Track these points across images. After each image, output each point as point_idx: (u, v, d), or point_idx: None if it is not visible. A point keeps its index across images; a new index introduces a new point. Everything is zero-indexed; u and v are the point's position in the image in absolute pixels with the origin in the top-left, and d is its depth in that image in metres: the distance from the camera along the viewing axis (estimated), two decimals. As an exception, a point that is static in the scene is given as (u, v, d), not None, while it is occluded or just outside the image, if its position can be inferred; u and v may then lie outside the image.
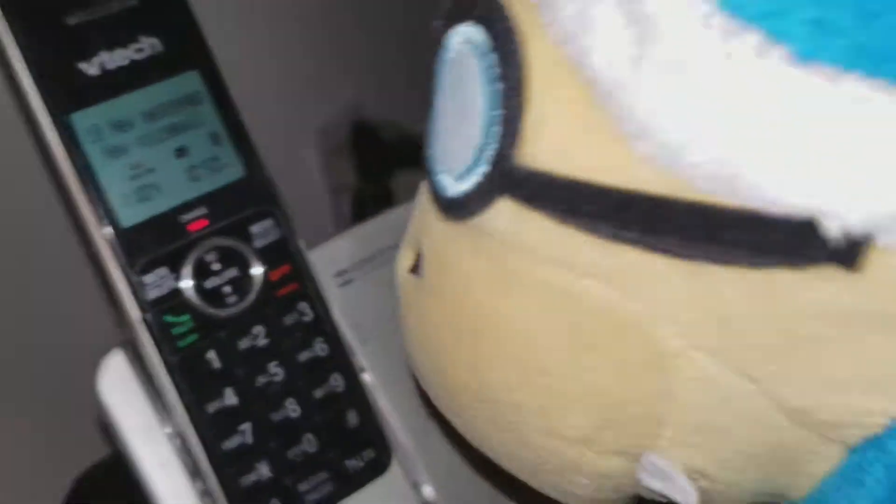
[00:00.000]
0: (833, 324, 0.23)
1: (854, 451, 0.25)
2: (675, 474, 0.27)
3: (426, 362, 0.32)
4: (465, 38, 0.27)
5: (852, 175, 0.21)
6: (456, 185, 0.27)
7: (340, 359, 0.39)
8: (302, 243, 0.38)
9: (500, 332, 0.28)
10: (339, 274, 0.41)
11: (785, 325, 0.24)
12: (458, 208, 0.27)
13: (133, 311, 0.36)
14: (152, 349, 0.36)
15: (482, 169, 0.26)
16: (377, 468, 0.39)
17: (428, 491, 0.40)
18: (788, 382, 0.24)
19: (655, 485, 0.28)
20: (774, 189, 0.22)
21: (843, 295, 0.23)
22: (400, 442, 0.40)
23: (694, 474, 0.27)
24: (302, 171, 0.65)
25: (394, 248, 0.41)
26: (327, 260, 0.40)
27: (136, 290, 0.36)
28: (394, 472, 0.40)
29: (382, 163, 0.66)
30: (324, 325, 0.39)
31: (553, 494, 0.32)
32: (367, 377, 0.40)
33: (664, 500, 0.30)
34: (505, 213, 0.26)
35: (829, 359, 0.24)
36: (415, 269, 0.32)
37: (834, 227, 0.22)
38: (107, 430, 0.38)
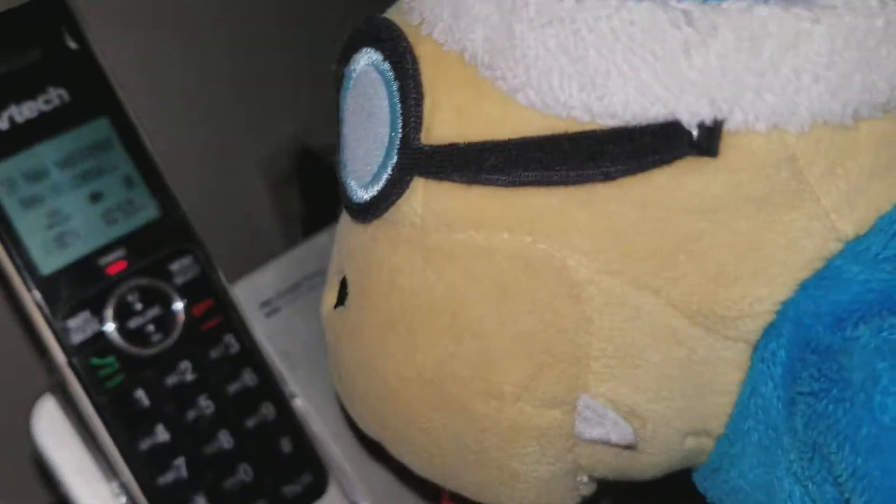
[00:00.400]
0: (707, 216, 0.26)
1: (756, 349, 0.28)
2: (608, 412, 0.29)
3: (363, 381, 0.33)
4: (365, 59, 0.30)
5: (693, 75, 0.25)
6: (372, 187, 0.30)
7: (270, 387, 0.40)
8: (223, 277, 0.39)
9: (430, 309, 0.30)
10: (265, 304, 0.42)
11: (667, 225, 0.27)
12: (376, 205, 0.30)
13: (59, 356, 0.36)
14: (81, 392, 0.37)
15: (393, 160, 0.29)
16: (315, 491, 0.40)
17: (367, 509, 0.41)
18: (684, 285, 0.27)
19: (593, 432, 0.29)
20: (637, 103, 0.26)
21: (711, 184, 0.26)
22: (336, 463, 0.41)
23: (625, 413, 0.29)
24: (250, 201, 0.65)
25: (317, 274, 0.42)
26: (252, 291, 0.41)
27: (61, 335, 0.36)
28: (332, 494, 0.40)
29: (330, 188, 0.67)
30: (251, 356, 0.39)
31: (498, 490, 0.32)
32: (298, 403, 0.41)
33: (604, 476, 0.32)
34: (418, 193, 0.29)
35: (711, 253, 0.27)
36: (339, 302, 0.33)
37: (690, 121, 0.26)
38: (45, 474, 0.39)
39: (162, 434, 0.37)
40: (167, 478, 0.37)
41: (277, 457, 0.39)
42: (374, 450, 0.42)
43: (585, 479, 0.32)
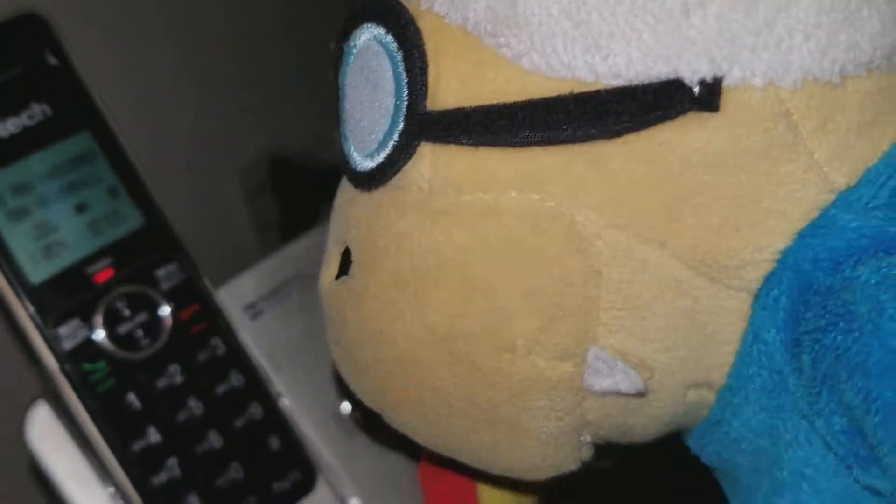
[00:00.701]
0: (710, 170, 0.28)
1: (758, 298, 0.29)
2: (618, 363, 0.30)
3: (369, 348, 0.33)
4: (367, 34, 0.31)
5: (693, 35, 0.27)
6: (377, 155, 0.31)
7: (257, 388, 0.41)
8: (208, 282, 0.40)
9: (439, 270, 0.30)
10: (249, 307, 0.43)
11: (672, 180, 0.28)
12: (382, 171, 0.31)
13: (51, 363, 0.38)
14: (73, 397, 0.38)
15: (399, 127, 0.30)
16: (304, 487, 0.41)
17: (355, 503, 0.42)
18: (689, 237, 0.28)
19: (604, 383, 0.30)
20: (640, 63, 0.27)
21: (713, 139, 0.28)
22: (324, 459, 0.42)
23: (633, 364, 0.30)
24: (231, 209, 0.66)
25: (297, 277, 0.43)
26: (236, 295, 0.42)
27: (52, 343, 0.37)
28: (321, 490, 0.42)
29: (307, 196, 0.68)
30: (237, 358, 0.41)
31: (504, 450, 0.33)
32: (284, 402, 0.42)
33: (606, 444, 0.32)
34: (426, 158, 0.30)
35: (714, 205, 0.28)
36: (341, 272, 0.34)
37: (692, 79, 0.27)
38: (40, 480, 0.40)
39: (154, 435, 0.38)
40: (161, 478, 0.38)
41: (266, 455, 0.41)
42: (360, 445, 0.43)
43: (588, 438, 0.32)
